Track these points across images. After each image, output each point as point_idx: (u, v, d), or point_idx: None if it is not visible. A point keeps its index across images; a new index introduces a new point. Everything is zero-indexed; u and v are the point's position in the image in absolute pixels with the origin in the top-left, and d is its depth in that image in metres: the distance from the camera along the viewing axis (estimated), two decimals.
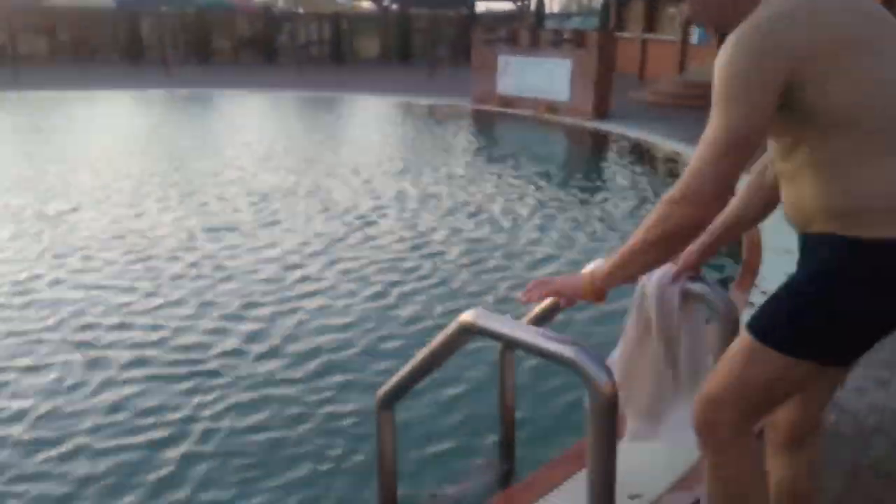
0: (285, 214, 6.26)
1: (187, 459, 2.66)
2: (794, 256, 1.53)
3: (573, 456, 2.48)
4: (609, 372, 1.51)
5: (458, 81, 19.27)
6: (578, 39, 12.48)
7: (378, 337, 3.75)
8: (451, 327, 1.80)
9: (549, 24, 34.53)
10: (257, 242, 5.43)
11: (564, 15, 54.30)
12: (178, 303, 4.23)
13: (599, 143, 10.64)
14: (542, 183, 7.64)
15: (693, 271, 1.91)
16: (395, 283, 4.55)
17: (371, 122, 13.07)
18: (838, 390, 2.19)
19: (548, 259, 5.15)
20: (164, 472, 2.60)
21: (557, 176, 8.26)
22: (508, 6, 33.59)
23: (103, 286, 4.49)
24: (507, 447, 2.59)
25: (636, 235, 1.50)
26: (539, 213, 6.38)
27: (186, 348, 3.64)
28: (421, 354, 1.92)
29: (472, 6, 26.27)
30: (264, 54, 26.95)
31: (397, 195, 6.97)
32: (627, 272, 1.58)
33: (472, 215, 6.27)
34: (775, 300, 1.51)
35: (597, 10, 51.90)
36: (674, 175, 8.15)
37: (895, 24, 1.40)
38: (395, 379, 2.04)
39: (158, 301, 4.25)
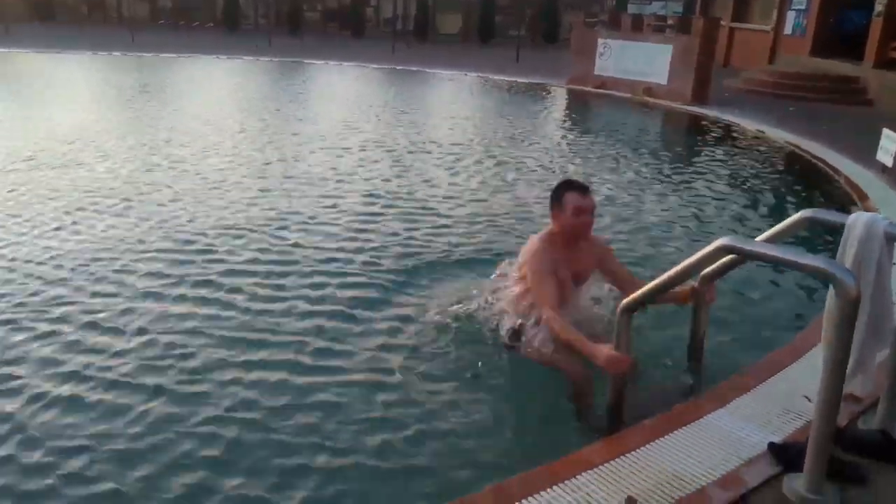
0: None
1: None
2: None
3: (757, 369, 3.00)
4: (854, 277, 2.06)
5: (545, 62, 19.64)
6: (682, 25, 12.72)
7: None
8: (708, 248, 2.35)
9: (630, 9, 34.30)
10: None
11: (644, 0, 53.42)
12: None
13: (707, 128, 10.88)
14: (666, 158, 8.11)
15: None
16: None
17: (495, 99, 13.54)
18: None
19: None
20: None
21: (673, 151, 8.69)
22: None
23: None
24: (697, 358, 3.16)
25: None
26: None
27: None
28: (673, 270, 2.48)
29: None
30: (352, 28, 27.73)
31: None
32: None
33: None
34: None
35: None
36: (786, 164, 8.46)
37: None
38: (641, 290, 2.61)
39: None
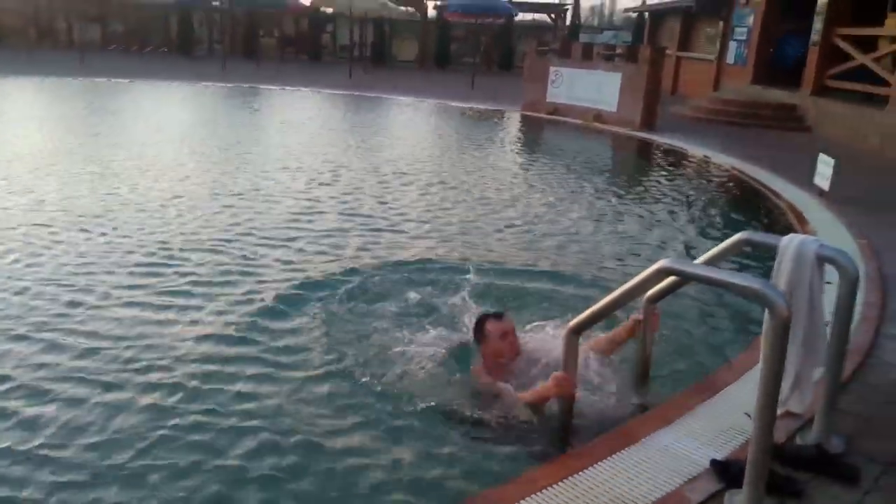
0: None
1: None
2: None
3: (700, 389, 3.08)
4: (785, 297, 2.14)
5: (499, 88, 19.94)
6: (630, 54, 13.12)
7: None
8: (649, 271, 2.42)
9: (582, 38, 35.25)
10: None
11: (595, 29, 54.89)
12: None
13: (655, 153, 11.19)
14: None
15: None
16: None
17: (451, 124, 13.68)
18: None
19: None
20: None
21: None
22: (542, 17, 34.38)
23: None
24: (643, 379, 3.22)
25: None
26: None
27: None
28: (616, 293, 2.54)
29: (512, 17, 26.97)
30: (309, 53, 27.74)
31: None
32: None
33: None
34: None
35: (618, 25, 52.72)
36: (727, 189, 8.74)
37: None
38: (587, 312, 2.66)
39: None
